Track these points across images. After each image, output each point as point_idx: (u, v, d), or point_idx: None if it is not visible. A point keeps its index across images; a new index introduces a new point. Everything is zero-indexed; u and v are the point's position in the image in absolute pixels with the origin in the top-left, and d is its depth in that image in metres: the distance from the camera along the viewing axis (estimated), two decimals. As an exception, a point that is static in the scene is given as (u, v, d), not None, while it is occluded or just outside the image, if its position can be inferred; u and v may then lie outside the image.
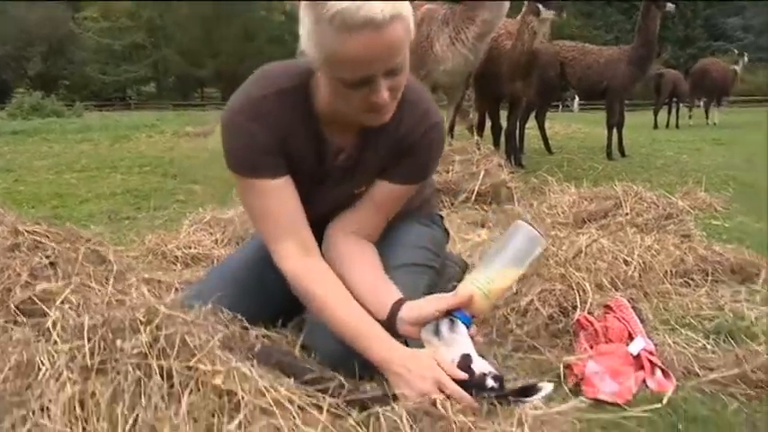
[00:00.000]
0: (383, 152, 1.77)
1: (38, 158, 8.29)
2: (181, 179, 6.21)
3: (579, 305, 2.06)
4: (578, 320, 1.96)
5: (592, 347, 1.86)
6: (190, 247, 3.14)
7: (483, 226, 3.44)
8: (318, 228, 1.81)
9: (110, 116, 22.86)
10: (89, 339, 1.20)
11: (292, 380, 1.31)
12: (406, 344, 1.58)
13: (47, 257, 2.08)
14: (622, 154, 8.01)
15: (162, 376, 1.12)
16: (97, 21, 53.50)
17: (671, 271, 2.69)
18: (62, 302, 1.60)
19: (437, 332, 1.55)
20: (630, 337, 1.86)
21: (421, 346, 1.57)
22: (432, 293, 1.79)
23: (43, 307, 1.51)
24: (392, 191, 1.82)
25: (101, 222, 4.14)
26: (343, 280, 1.68)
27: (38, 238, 2.19)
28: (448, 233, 2.27)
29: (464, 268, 2.34)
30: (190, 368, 1.13)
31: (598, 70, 7.86)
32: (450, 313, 1.55)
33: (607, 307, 2.00)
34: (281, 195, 1.70)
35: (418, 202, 2.08)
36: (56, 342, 1.21)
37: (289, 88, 1.67)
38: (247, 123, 1.65)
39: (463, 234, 3.01)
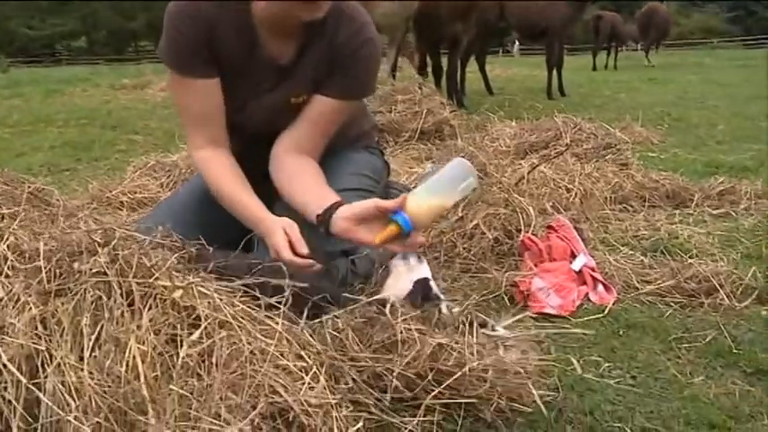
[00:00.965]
0: (318, 59, 1.80)
1: (-34, 114, 7.95)
2: (120, 130, 6.04)
3: (523, 228, 2.13)
4: (523, 241, 2.04)
5: (536, 266, 1.94)
6: (135, 192, 3.11)
7: (428, 160, 3.49)
8: (258, 143, 1.86)
9: (39, 71, 21.92)
10: (45, 264, 1.20)
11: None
12: None
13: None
14: (562, 93, 8.14)
15: (122, 295, 1.14)
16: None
17: (610, 197, 2.80)
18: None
19: (405, 259, 1.65)
20: (573, 255, 1.95)
21: None
22: None
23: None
24: (328, 105, 1.83)
25: (40, 174, 4.04)
26: (290, 197, 1.75)
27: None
28: (388, 165, 2.30)
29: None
30: (149, 286, 1.15)
31: (537, 11, 7.91)
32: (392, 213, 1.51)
33: (550, 227, 2.08)
34: (202, 94, 1.77)
35: (356, 133, 2.11)
36: (11, 268, 1.20)
37: None
38: (178, 18, 1.71)
39: (408, 168, 3.06)
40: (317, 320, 1.36)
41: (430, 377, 1.25)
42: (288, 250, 1.56)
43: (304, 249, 1.56)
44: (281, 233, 1.58)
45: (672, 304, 1.85)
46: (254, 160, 1.88)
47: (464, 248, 2.10)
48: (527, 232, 2.10)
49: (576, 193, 2.61)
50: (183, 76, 1.76)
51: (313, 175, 1.81)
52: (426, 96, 4.66)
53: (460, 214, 2.20)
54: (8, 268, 1.24)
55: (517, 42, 29.69)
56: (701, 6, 47.06)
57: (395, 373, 1.25)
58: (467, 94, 7.70)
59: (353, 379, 1.28)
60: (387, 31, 5.82)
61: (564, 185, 2.66)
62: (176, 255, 1.28)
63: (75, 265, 1.20)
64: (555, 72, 8.11)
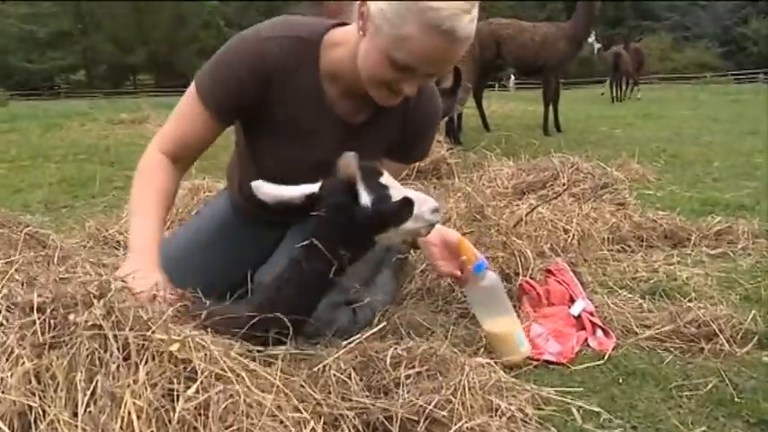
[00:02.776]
0: (391, 124, 1.85)
1: (-36, 151, 7.97)
2: (118, 166, 6.05)
3: (521, 271, 2.13)
4: (521, 285, 2.03)
5: (535, 311, 1.93)
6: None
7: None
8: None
9: (38, 105, 22.10)
10: (39, 316, 1.19)
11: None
12: None
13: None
14: (558, 129, 8.20)
15: (118, 349, 1.13)
16: (18, 6, 51.40)
17: (608, 238, 2.80)
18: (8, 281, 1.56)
19: None
20: (572, 300, 1.94)
21: None
22: (375, 267, 2.05)
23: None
24: (392, 168, 1.82)
25: (37, 212, 4.03)
26: None
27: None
28: None
29: (410, 243, 2.38)
30: (145, 338, 1.14)
31: (534, 48, 8.01)
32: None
33: (548, 271, 2.07)
34: (205, 126, 1.74)
35: None
36: (6, 319, 1.19)
37: (299, 37, 1.71)
38: (237, 58, 1.69)
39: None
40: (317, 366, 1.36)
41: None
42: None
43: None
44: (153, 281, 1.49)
45: (671, 350, 1.84)
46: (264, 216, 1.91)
47: (461, 293, 2.09)
48: (525, 276, 2.10)
49: (573, 235, 2.61)
50: (203, 103, 1.73)
51: None
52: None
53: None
54: (3, 319, 1.23)
55: (513, 77, 30.04)
56: (694, 42, 47.69)
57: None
58: (463, 130, 7.76)
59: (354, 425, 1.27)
60: None
61: (562, 226, 2.66)
62: (172, 308, 1.26)
63: (71, 317, 1.19)
64: (551, 108, 8.18)
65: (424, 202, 1.49)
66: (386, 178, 1.48)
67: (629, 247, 2.82)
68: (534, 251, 2.29)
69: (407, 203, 1.44)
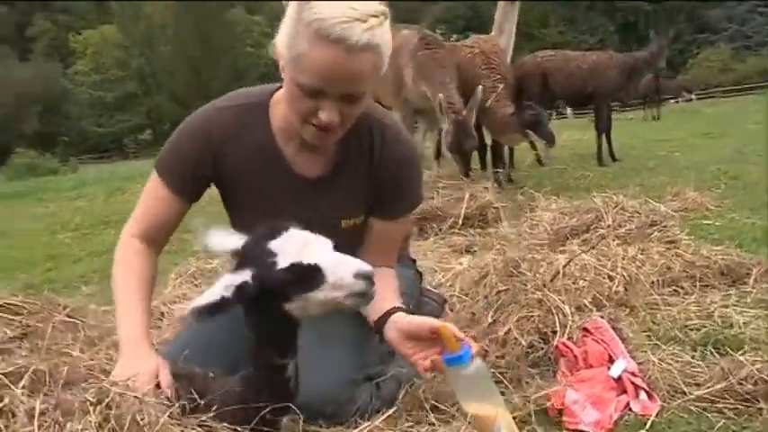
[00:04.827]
0: (357, 176, 1.79)
1: (33, 220, 8.29)
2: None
3: (559, 330, 2.02)
4: (557, 347, 1.93)
5: (572, 374, 1.82)
6: (175, 302, 3.11)
7: (468, 251, 3.41)
8: None
9: (106, 168, 22.95)
10: (40, 426, 1.18)
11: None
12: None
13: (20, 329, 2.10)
14: (613, 159, 7.97)
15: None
16: (88, 75, 54.09)
17: (658, 281, 2.65)
18: (28, 377, 1.57)
19: None
20: (611, 360, 1.82)
21: None
22: None
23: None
24: (388, 226, 1.86)
25: (91, 282, 4.12)
26: None
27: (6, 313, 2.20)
28: (420, 274, 2.29)
29: (442, 304, 2.31)
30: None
31: (582, 77, 7.86)
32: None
33: (585, 330, 1.96)
34: (169, 205, 1.79)
35: None
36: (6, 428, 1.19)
37: (247, 104, 1.75)
38: (187, 133, 1.76)
39: (446, 263, 2.98)
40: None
41: None
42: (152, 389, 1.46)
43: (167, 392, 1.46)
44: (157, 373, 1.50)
45: (724, 411, 1.69)
46: None
47: (497, 357, 2.00)
48: (563, 335, 1.99)
49: (618, 281, 2.48)
50: (162, 180, 1.77)
51: (381, 278, 1.72)
52: (470, 179, 4.63)
53: (491, 319, 2.11)
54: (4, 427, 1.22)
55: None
56: (757, 50, 46.16)
57: None
58: (515, 166, 7.64)
59: None
60: (427, 114, 5.82)
61: (606, 273, 2.53)
62: (167, 413, 1.23)
63: (68, 425, 1.18)
64: (604, 136, 7.97)
65: (343, 269, 1.35)
66: (301, 237, 1.39)
67: (683, 288, 2.66)
68: (573, 305, 2.18)
69: (301, 273, 1.34)
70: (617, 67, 7.80)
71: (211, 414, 1.40)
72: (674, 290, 2.64)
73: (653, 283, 2.61)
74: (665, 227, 3.00)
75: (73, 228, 7.08)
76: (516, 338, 2.00)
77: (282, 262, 1.35)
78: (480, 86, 5.41)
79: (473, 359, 1.56)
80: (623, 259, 2.63)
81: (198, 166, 1.75)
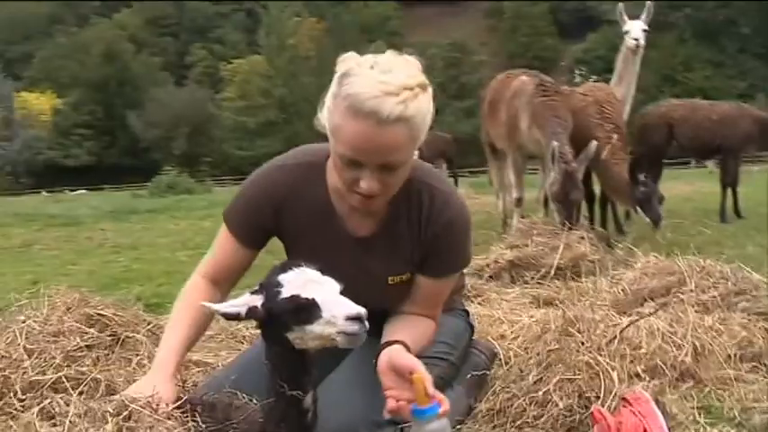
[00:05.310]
0: (404, 235, 1.85)
1: (162, 236, 8.88)
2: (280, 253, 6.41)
3: (602, 395, 1.97)
4: (593, 413, 1.88)
5: (603, 444, 1.77)
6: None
7: (549, 304, 3.34)
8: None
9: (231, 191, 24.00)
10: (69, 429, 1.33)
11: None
12: None
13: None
14: (738, 215, 7.52)
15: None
16: (234, 101, 57.40)
17: (736, 354, 2.50)
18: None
19: None
20: (646, 434, 1.75)
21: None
22: (440, 385, 1.85)
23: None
24: (432, 284, 1.91)
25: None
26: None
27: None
28: (472, 327, 2.29)
29: (491, 357, 2.30)
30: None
31: (710, 128, 7.50)
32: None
33: (624, 400, 1.90)
34: (236, 255, 1.92)
35: None
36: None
37: (307, 163, 1.84)
38: (253, 188, 1.89)
39: (516, 315, 2.94)
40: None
41: None
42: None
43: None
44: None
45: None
46: None
47: (534, 416, 1.97)
48: (605, 401, 1.93)
49: (687, 351, 2.36)
50: (229, 230, 1.92)
51: (404, 320, 1.90)
52: (569, 229, 4.53)
53: (535, 377, 2.08)
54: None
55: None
56: None
57: None
58: (632, 219, 7.37)
59: None
60: (541, 158, 5.72)
61: (676, 341, 2.41)
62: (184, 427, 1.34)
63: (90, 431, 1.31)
64: (730, 191, 7.56)
65: (338, 308, 1.44)
66: (312, 275, 1.49)
67: (765, 366, 2.49)
68: (628, 372, 2.11)
69: (299, 304, 1.43)
70: (748, 118, 7.39)
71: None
72: (754, 366, 2.48)
73: (729, 356, 2.47)
74: (754, 296, 2.82)
75: (192, 246, 7.51)
76: (554, 400, 1.97)
77: (285, 293, 1.46)
78: (594, 141, 5.32)
79: (438, 417, 1.58)
80: (698, 328, 2.50)
81: (260, 219, 1.87)
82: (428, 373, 1.65)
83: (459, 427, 1.94)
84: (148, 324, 2.77)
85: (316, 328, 1.44)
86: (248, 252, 1.93)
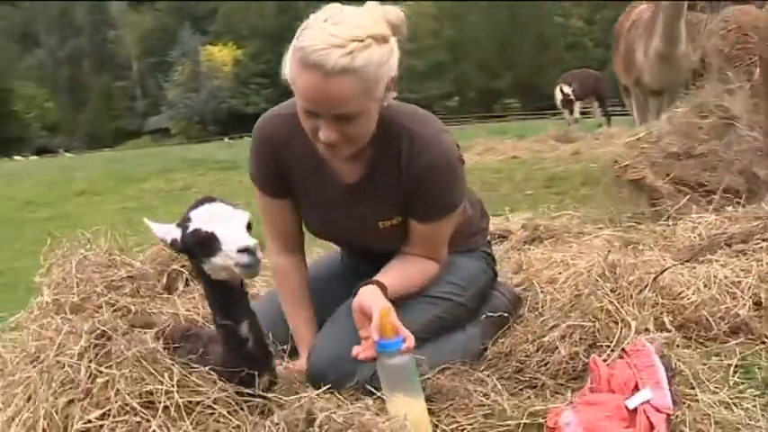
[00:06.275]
0: (389, 181, 1.85)
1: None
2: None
3: (614, 345, 1.85)
4: (590, 363, 1.77)
5: (586, 394, 1.67)
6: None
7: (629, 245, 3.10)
8: (357, 255, 2.12)
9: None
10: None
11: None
12: None
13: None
14: None
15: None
16: (404, 44, 57.59)
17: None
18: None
19: None
20: (637, 388, 1.63)
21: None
22: (442, 323, 1.98)
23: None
24: (424, 228, 1.91)
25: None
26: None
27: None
28: (494, 270, 2.22)
29: (514, 300, 2.22)
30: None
31: None
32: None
33: (623, 351, 1.76)
34: (274, 210, 2.01)
35: (461, 235, 2.08)
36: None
37: (296, 112, 1.83)
38: (257, 137, 1.94)
39: (580, 259, 2.74)
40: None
41: None
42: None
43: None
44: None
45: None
46: (352, 266, 2.13)
47: (537, 362, 1.90)
48: (612, 350, 1.82)
49: (744, 303, 2.13)
50: (259, 189, 1.98)
51: (398, 260, 1.94)
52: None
53: (552, 323, 1.99)
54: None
55: None
56: None
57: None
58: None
59: None
60: (665, 93, 5.23)
61: (736, 292, 2.17)
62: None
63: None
64: None
65: (233, 240, 1.47)
66: (217, 209, 1.54)
67: None
68: (652, 320, 1.96)
69: (200, 238, 1.50)
70: None
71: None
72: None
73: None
74: None
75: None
76: (558, 347, 1.88)
77: (191, 227, 1.52)
78: None
79: (401, 353, 1.59)
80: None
81: (271, 168, 1.93)
82: (393, 311, 1.67)
83: (462, 367, 1.90)
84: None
85: (217, 260, 1.50)
86: (288, 202, 1.99)
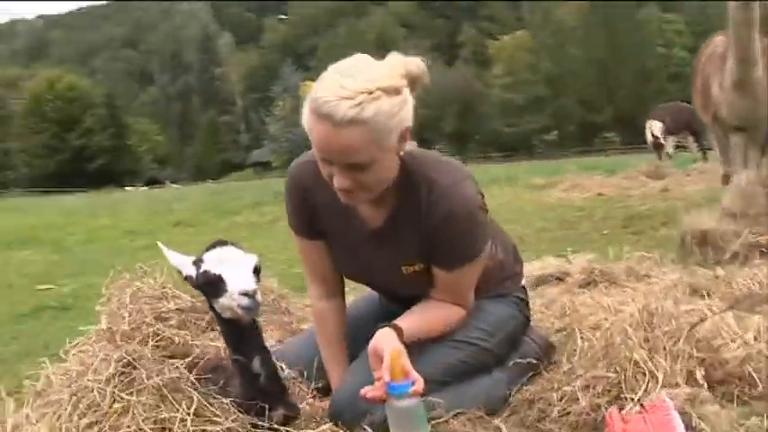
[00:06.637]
0: (411, 227, 1.89)
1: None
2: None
3: (639, 398, 1.79)
4: (607, 416, 1.72)
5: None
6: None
7: (696, 293, 2.97)
8: (397, 301, 2.09)
9: (504, 167, 24.12)
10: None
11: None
12: None
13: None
14: None
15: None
16: (501, 77, 57.55)
17: None
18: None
19: None
20: (650, 446, 1.57)
21: None
22: (466, 367, 1.97)
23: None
24: (446, 276, 1.93)
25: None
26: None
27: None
28: (527, 317, 2.21)
29: (544, 347, 2.18)
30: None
31: None
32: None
33: (642, 407, 1.70)
34: (310, 253, 2.08)
35: (493, 280, 2.10)
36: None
37: None
38: (288, 182, 2.03)
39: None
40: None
41: None
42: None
43: None
44: None
45: None
46: (389, 307, 2.15)
47: (559, 411, 1.85)
48: (634, 404, 1.75)
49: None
50: (295, 234, 2.07)
51: (422, 305, 1.96)
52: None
53: (579, 372, 1.95)
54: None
55: None
56: None
57: None
58: None
59: None
60: (744, 132, 4.92)
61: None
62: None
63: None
64: None
65: (236, 284, 1.58)
66: (227, 253, 1.65)
67: None
68: (687, 376, 1.88)
69: (208, 279, 1.62)
70: None
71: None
72: None
73: None
74: None
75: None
76: (578, 398, 1.83)
77: (202, 268, 1.64)
78: None
79: (409, 396, 1.61)
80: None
81: (305, 211, 2.00)
82: (405, 354, 1.70)
83: (478, 413, 1.88)
84: (271, 292, 3.07)
85: (223, 300, 1.62)
86: (322, 244, 2.05)
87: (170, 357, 2.04)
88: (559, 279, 3.31)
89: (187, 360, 1.96)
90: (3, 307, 4.96)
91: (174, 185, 37.09)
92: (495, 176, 14.37)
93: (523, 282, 2.24)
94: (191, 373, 1.83)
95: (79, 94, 60.06)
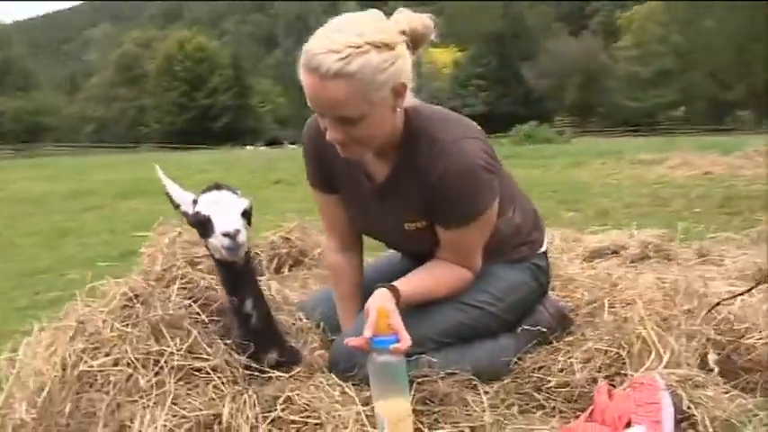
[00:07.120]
0: (410, 185, 1.87)
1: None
2: (578, 204, 6.25)
3: (631, 373, 1.70)
4: (596, 390, 1.64)
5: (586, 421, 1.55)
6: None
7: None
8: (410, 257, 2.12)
9: (620, 142, 23.21)
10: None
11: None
12: None
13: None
14: None
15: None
16: (629, 49, 54.92)
17: None
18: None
19: None
20: (628, 424, 1.48)
21: None
22: (468, 330, 1.95)
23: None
24: (450, 234, 1.89)
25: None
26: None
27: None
28: (542, 284, 2.12)
29: (557, 316, 2.09)
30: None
31: None
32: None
33: (632, 383, 1.60)
34: (330, 206, 2.08)
35: (509, 245, 2.04)
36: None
37: None
38: (304, 136, 2.03)
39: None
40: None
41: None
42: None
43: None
44: None
45: None
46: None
47: (558, 383, 1.79)
48: (628, 380, 1.66)
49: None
50: (313, 188, 2.09)
51: (425, 266, 1.95)
52: None
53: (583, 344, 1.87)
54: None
55: None
56: None
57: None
58: None
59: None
60: None
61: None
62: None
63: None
64: None
65: (221, 225, 1.62)
66: (219, 196, 1.69)
67: None
68: (698, 356, 1.76)
69: (199, 220, 1.68)
70: None
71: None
72: None
73: None
74: None
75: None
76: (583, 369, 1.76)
77: (196, 208, 1.70)
78: None
79: (390, 352, 1.58)
80: None
81: (320, 164, 2.01)
82: (396, 313, 1.69)
83: (467, 375, 1.85)
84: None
85: (212, 240, 1.67)
86: (338, 198, 2.06)
87: (190, 298, 2.11)
88: (615, 252, 3.17)
89: (201, 301, 2.02)
90: (98, 249, 5.32)
91: (292, 146, 37.99)
92: (604, 150, 13.88)
93: (544, 248, 2.15)
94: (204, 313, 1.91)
95: (207, 54, 62.50)
